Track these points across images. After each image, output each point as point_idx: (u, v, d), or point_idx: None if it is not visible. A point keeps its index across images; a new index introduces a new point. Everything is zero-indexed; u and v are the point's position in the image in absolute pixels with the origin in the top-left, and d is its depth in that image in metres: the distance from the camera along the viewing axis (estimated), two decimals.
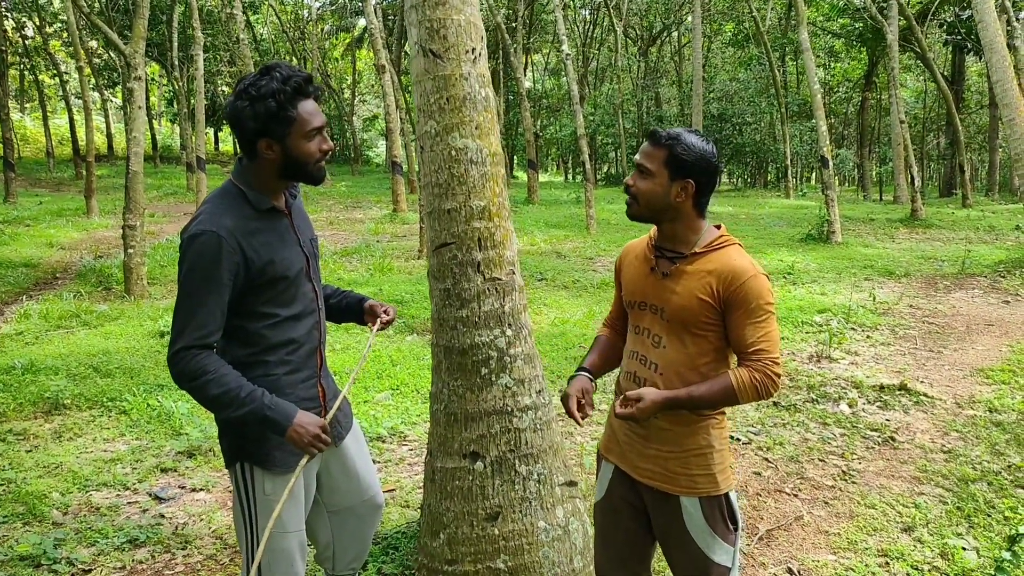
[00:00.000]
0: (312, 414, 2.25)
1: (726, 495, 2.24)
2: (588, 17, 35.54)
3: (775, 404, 5.67)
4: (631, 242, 2.48)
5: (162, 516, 4.01)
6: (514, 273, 3.10)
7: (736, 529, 2.25)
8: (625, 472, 2.34)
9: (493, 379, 3.00)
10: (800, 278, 10.47)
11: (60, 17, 31.32)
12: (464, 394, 3.01)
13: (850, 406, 5.67)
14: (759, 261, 10.94)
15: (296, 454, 2.30)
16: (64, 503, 4.13)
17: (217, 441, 4.92)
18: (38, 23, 29.72)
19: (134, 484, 4.38)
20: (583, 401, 2.32)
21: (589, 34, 35.69)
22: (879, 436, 5.12)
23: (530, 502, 2.97)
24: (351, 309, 2.71)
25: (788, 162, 25.88)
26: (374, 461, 4.72)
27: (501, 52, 26.53)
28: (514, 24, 24.59)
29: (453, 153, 3.01)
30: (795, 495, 4.29)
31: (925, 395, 5.86)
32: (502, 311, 3.03)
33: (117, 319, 8.21)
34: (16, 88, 40.18)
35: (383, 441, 5.00)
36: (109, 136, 36.99)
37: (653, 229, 2.35)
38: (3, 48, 21.53)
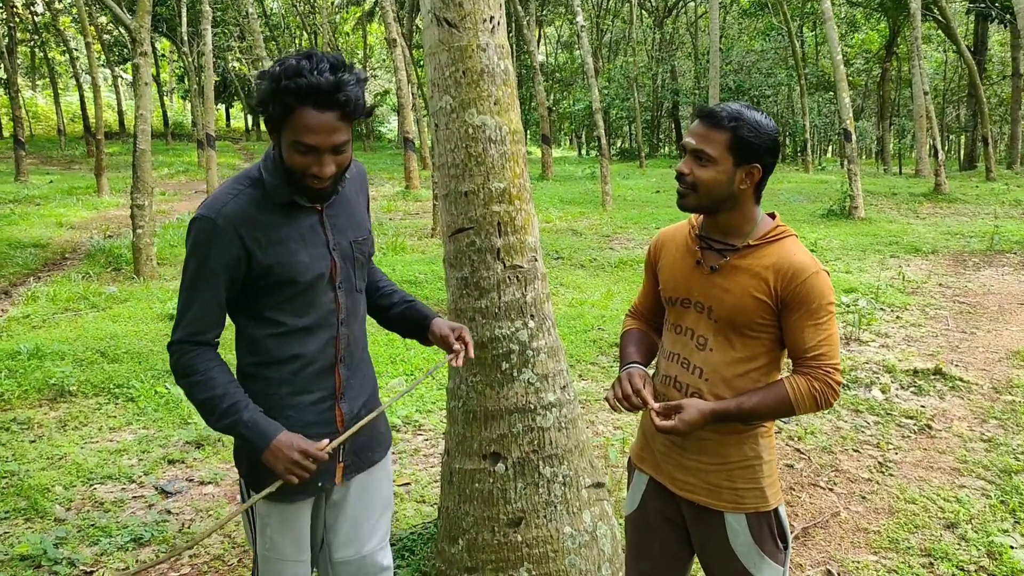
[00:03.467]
0: (298, 436, 1.91)
1: (775, 510, 2.03)
2: None
3: None
4: (666, 229, 2.23)
5: (168, 512, 3.85)
6: (536, 260, 2.89)
7: (786, 547, 2.04)
8: (662, 484, 2.12)
9: (515, 374, 2.80)
10: (824, 256, 10.19)
11: None
12: (484, 391, 2.81)
13: (883, 392, 5.44)
14: None
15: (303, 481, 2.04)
16: (67, 498, 3.98)
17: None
18: None
19: (140, 477, 4.23)
20: (644, 386, 2.02)
21: (603, 6, 35.11)
22: (915, 424, 4.90)
23: (555, 506, 2.78)
24: (414, 325, 2.26)
25: (807, 135, 25.41)
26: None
27: (514, 25, 26.07)
28: None
29: (470, 131, 2.79)
30: (830, 489, 4.08)
31: (960, 379, 5.62)
32: (524, 301, 2.82)
33: (126, 301, 8.05)
34: (27, 65, 40.02)
35: (397, 431, 4.82)
36: (120, 113, 36.77)
37: (694, 216, 2.11)
38: (12, 25, 21.35)
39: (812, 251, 10.18)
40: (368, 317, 2.30)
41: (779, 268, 1.92)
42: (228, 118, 50.10)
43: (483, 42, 2.80)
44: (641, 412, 2.14)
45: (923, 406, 5.19)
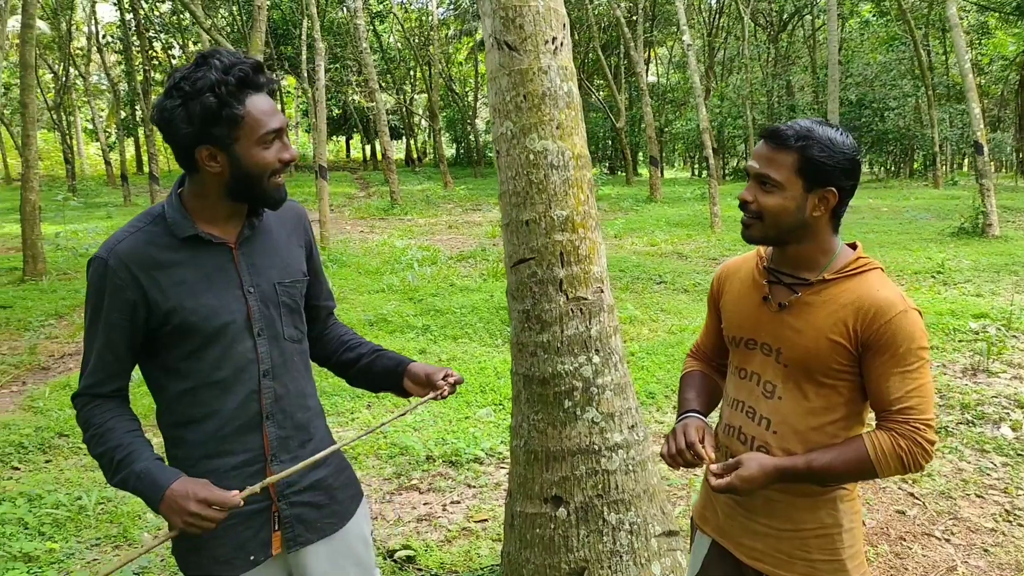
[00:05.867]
0: (201, 482, 1.66)
1: None
2: (714, 6, 34.30)
3: None
4: (731, 261, 2.02)
5: None
6: (602, 291, 2.72)
7: None
8: (726, 549, 1.91)
9: (578, 413, 2.64)
10: (952, 278, 9.46)
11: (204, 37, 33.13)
12: (545, 430, 2.66)
13: (1013, 429, 4.92)
14: (903, 259, 9.76)
15: (223, 560, 1.79)
16: (157, 525, 4.07)
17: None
18: (182, 42, 31.61)
19: None
20: (703, 440, 1.81)
21: (715, 23, 34.45)
22: None
23: (621, 556, 2.59)
24: (386, 374, 2.03)
25: (937, 149, 23.95)
26: (469, 485, 4.44)
27: (622, 47, 25.90)
28: (634, 17, 23.94)
29: (531, 157, 2.68)
30: (947, 540, 3.68)
31: None
32: (588, 335, 2.66)
33: None
34: None
35: (480, 463, 4.71)
36: None
37: (761, 247, 1.90)
38: (147, 68, 22.93)
39: (939, 272, 9.56)
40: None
41: (860, 306, 1.68)
42: (348, 149, 52.11)
43: (545, 64, 2.68)
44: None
45: None
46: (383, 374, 2.03)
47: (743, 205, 1.76)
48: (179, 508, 1.61)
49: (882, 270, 1.77)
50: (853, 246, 1.81)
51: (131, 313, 1.70)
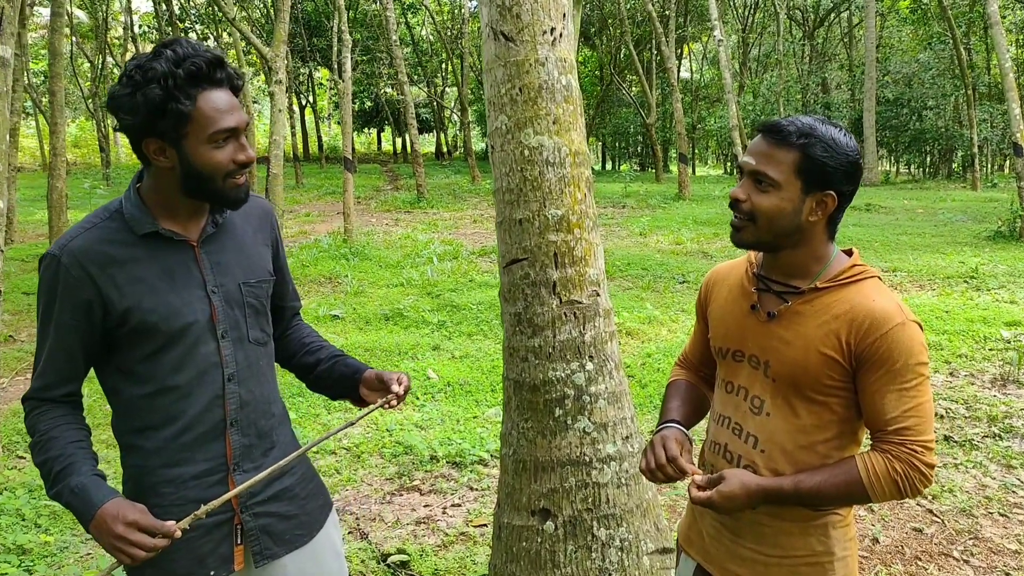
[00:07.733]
0: (135, 506, 1.55)
1: None
2: (749, 1, 33.78)
3: (946, 439, 4.79)
4: (721, 266, 1.90)
5: None
6: (598, 295, 2.60)
7: None
8: (711, 574, 1.78)
9: (569, 422, 2.52)
10: (985, 283, 9.15)
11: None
12: (535, 439, 2.54)
13: None
14: (935, 263, 9.44)
15: (179, 575, 1.72)
16: None
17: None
18: (217, 34, 31.86)
19: None
20: (682, 453, 1.69)
21: (750, 19, 33.97)
22: None
23: (610, 574, 2.46)
24: (343, 381, 1.94)
25: (975, 150, 23.36)
26: (471, 488, 4.34)
27: (654, 42, 25.62)
28: (667, 12, 23.62)
29: (526, 153, 2.56)
30: (966, 561, 3.50)
31: None
32: (581, 341, 2.54)
33: None
34: None
35: (484, 465, 4.61)
36: (304, 138, 39.49)
37: (752, 252, 1.77)
38: None
39: (972, 277, 9.26)
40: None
41: (854, 317, 1.55)
42: (379, 141, 52.27)
43: (542, 56, 2.56)
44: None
45: None
46: (339, 381, 1.94)
47: (734, 204, 1.64)
48: (106, 530, 1.52)
49: (880, 278, 1.64)
50: (849, 252, 1.68)
51: (85, 313, 1.62)
